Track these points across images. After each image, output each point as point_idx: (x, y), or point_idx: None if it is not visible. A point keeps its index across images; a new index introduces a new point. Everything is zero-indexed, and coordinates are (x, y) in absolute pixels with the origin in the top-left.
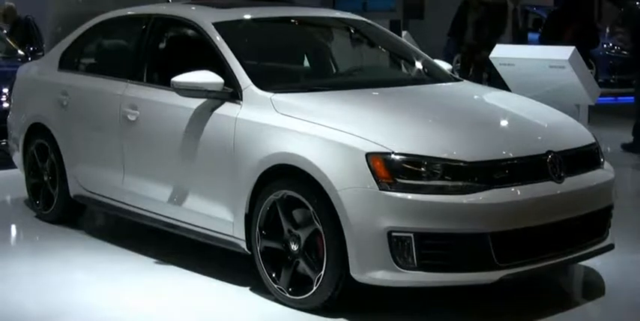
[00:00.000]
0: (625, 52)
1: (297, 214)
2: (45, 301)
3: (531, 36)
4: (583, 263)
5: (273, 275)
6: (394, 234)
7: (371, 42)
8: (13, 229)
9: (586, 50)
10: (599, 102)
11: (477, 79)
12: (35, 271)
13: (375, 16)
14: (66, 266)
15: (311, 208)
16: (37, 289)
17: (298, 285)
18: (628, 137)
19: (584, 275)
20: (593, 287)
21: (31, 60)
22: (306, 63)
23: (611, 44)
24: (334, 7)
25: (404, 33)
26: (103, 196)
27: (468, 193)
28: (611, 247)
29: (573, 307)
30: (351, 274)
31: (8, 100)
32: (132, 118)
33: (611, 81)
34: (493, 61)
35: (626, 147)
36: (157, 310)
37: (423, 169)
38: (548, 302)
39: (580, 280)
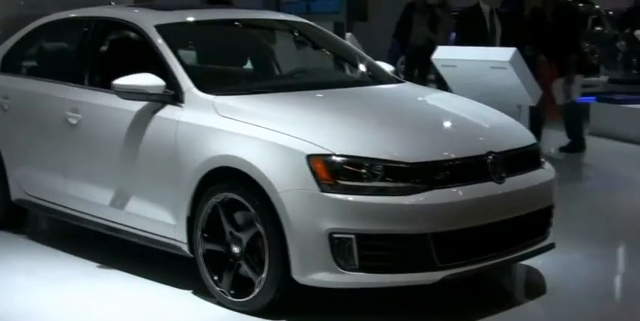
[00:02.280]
0: None
1: (238, 217)
2: None
3: None
4: (525, 262)
5: (215, 278)
6: (335, 235)
7: (314, 44)
8: None
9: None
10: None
11: (422, 81)
12: None
13: (319, 19)
14: (8, 271)
15: (252, 210)
16: None
17: (240, 288)
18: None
19: (525, 274)
20: (535, 286)
21: None
22: (249, 65)
23: None
24: (278, 9)
25: (348, 35)
26: (45, 200)
27: (409, 194)
28: (552, 246)
29: (515, 306)
30: (293, 276)
31: None
32: (73, 121)
33: None
34: (435, 63)
35: (565, 149)
36: (100, 314)
37: (364, 170)
38: (490, 302)
39: (522, 280)
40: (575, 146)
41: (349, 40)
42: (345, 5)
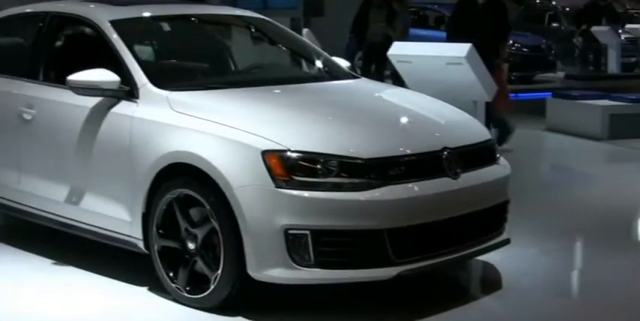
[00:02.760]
0: (525, 50)
1: (194, 213)
2: None
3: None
4: (481, 258)
5: (171, 274)
6: (290, 231)
7: (270, 40)
8: None
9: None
10: None
11: (379, 77)
12: None
13: (276, 14)
14: None
15: (208, 206)
16: None
17: (196, 284)
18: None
19: (481, 270)
20: (491, 281)
21: None
22: (205, 61)
23: (510, 42)
24: (235, 4)
25: (305, 31)
26: (0, 197)
27: (364, 190)
28: (507, 241)
29: (471, 301)
30: (248, 272)
31: None
32: (28, 117)
33: (512, 78)
34: (391, 58)
35: (500, 140)
36: (54, 310)
37: (319, 166)
38: (446, 297)
39: (478, 275)
40: (505, 132)
41: (306, 36)
42: (302, 1)
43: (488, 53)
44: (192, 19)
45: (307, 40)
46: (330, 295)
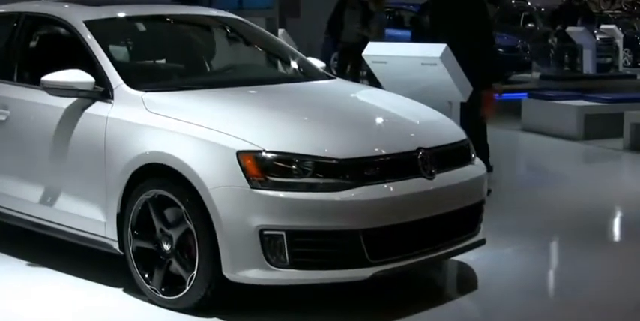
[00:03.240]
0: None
1: (169, 214)
2: None
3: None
4: (456, 258)
5: (146, 275)
6: (266, 232)
7: (245, 40)
8: None
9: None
10: None
11: (355, 77)
12: None
13: (251, 14)
14: None
15: (182, 207)
16: None
17: (171, 285)
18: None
19: (457, 270)
20: (466, 281)
21: None
22: (180, 61)
23: None
24: (210, 5)
25: (280, 31)
26: None
27: (339, 191)
28: (482, 242)
29: (447, 301)
30: (224, 273)
31: None
32: (2, 117)
33: None
34: (366, 59)
35: None
36: (29, 311)
37: (294, 166)
38: (422, 297)
39: (454, 275)
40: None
41: (282, 36)
42: (278, 1)
43: (465, 54)
44: (167, 19)
45: (283, 41)
46: (306, 295)
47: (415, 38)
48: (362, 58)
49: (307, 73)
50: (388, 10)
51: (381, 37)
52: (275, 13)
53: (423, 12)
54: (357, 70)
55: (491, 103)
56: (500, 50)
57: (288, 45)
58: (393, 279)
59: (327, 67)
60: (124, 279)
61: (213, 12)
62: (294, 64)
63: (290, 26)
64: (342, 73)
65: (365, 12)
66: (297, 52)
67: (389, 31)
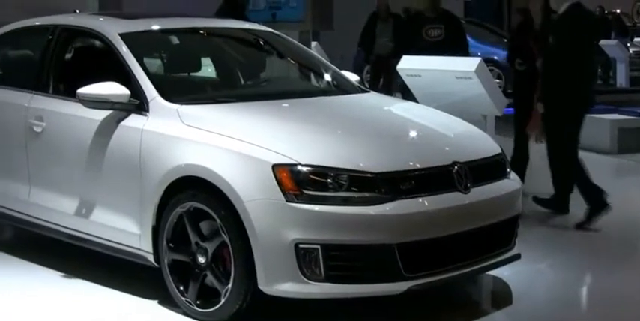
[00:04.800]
0: None
1: (204, 227)
2: None
3: None
4: (491, 273)
5: (181, 288)
6: (301, 246)
7: (279, 53)
8: None
9: None
10: (506, 112)
11: (387, 90)
12: None
13: (285, 27)
14: None
15: (218, 220)
16: None
17: (206, 298)
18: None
19: (491, 284)
20: (501, 296)
21: None
22: (214, 74)
23: None
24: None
25: (313, 44)
26: (9, 209)
27: (374, 205)
28: (517, 256)
29: (481, 316)
30: (259, 286)
31: None
32: (38, 129)
33: None
34: (400, 72)
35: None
36: None
37: (329, 180)
38: (456, 311)
39: (488, 290)
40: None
41: (315, 49)
42: (311, 14)
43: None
44: (202, 32)
45: (316, 54)
46: (339, 308)
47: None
48: (394, 71)
49: (342, 87)
50: None
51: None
52: (308, 25)
53: None
54: (389, 83)
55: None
56: None
57: (322, 58)
58: (427, 293)
59: (360, 80)
60: (158, 291)
61: (247, 25)
62: (328, 78)
63: (323, 39)
64: (374, 86)
65: (397, 25)
66: (332, 66)
67: None
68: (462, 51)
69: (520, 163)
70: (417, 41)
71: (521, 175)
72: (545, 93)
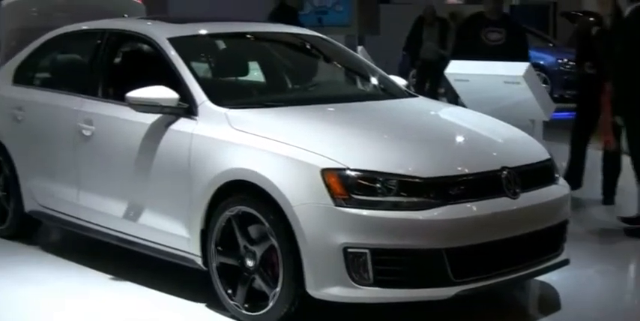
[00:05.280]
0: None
1: (252, 230)
2: None
3: None
4: (539, 278)
5: (229, 291)
6: (350, 250)
7: (326, 57)
8: None
9: None
10: (553, 117)
11: (433, 95)
12: None
13: (331, 32)
14: (20, 282)
15: (266, 224)
16: None
17: (254, 301)
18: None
19: (539, 290)
20: (549, 302)
21: None
22: (262, 78)
23: (565, 60)
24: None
25: (359, 48)
26: (58, 212)
27: (423, 209)
28: (566, 262)
29: None
30: (307, 290)
31: None
32: (87, 133)
33: (566, 96)
34: (448, 77)
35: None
36: None
37: (378, 185)
38: (504, 317)
39: (536, 295)
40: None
41: (361, 53)
42: (358, 18)
43: None
44: (249, 36)
45: (364, 58)
46: (386, 313)
47: None
48: (440, 76)
49: (389, 91)
50: None
51: None
52: (354, 30)
53: None
54: (435, 88)
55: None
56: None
57: (369, 63)
58: (475, 298)
59: (407, 85)
60: (206, 294)
61: (294, 29)
62: (376, 82)
63: (369, 43)
64: (420, 91)
65: (443, 29)
66: (379, 70)
67: None
68: (522, 57)
69: (576, 168)
70: (475, 44)
71: (578, 181)
72: (619, 100)
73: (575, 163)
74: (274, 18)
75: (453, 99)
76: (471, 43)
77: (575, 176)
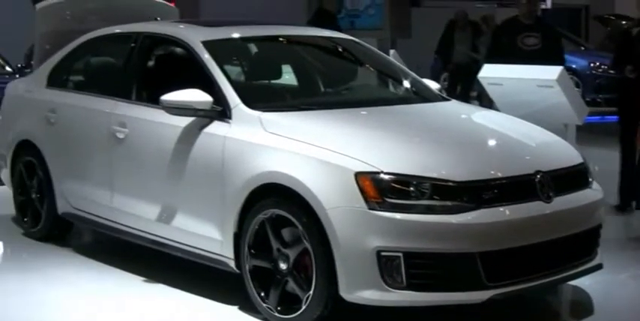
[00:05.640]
0: (612, 71)
1: (286, 233)
2: (29, 317)
3: None
4: (572, 283)
5: (262, 294)
6: (383, 253)
7: (359, 61)
8: (0, 246)
9: None
10: (585, 121)
11: (464, 98)
12: (21, 288)
13: (363, 35)
14: (53, 284)
15: (300, 227)
16: (22, 307)
17: (287, 304)
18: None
19: (572, 295)
20: (582, 307)
21: (20, 77)
22: (295, 82)
23: (597, 63)
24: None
25: (391, 51)
26: (91, 214)
27: (456, 213)
28: (599, 266)
29: None
30: (340, 293)
31: None
32: (121, 135)
33: (598, 100)
34: (481, 81)
35: None
36: None
37: (411, 188)
38: None
39: (568, 300)
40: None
41: (392, 56)
42: (389, 22)
43: None
44: (282, 39)
45: (396, 62)
46: (417, 317)
47: None
48: (472, 79)
49: (422, 95)
50: None
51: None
52: (386, 33)
53: None
54: (466, 91)
55: None
56: (612, 71)
57: (403, 66)
58: (508, 303)
59: (440, 88)
60: (238, 297)
61: (327, 32)
62: (409, 86)
63: (401, 47)
64: (451, 94)
65: (475, 33)
66: (412, 73)
67: None
68: (559, 61)
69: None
70: (511, 50)
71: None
72: None
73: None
74: (313, 23)
75: (487, 103)
76: (507, 48)
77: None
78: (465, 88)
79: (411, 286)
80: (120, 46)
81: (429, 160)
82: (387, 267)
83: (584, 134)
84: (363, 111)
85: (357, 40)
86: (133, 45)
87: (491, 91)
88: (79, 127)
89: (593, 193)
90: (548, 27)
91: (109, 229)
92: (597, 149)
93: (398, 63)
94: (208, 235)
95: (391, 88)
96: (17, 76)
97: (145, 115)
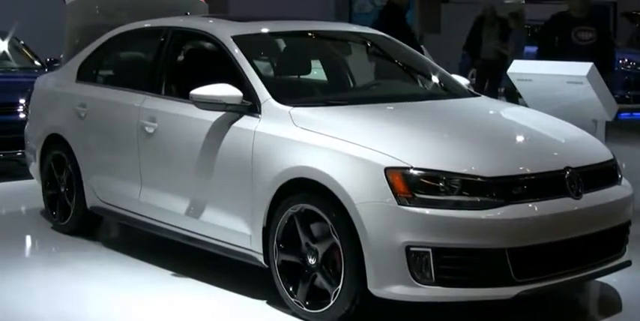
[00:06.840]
0: None
1: (314, 228)
2: (59, 311)
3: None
4: (600, 279)
5: (291, 289)
6: (412, 249)
7: (388, 56)
8: (29, 240)
9: None
10: (616, 117)
11: (492, 94)
12: (50, 282)
13: None
14: (81, 277)
15: (329, 222)
16: (51, 300)
17: (316, 299)
18: None
19: (600, 291)
20: (610, 303)
21: (49, 71)
22: (324, 77)
23: (626, 60)
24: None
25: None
26: (120, 208)
27: (485, 209)
28: (628, 263)
29: None
30: (369, 288)
31: (25, 111)
32: (150, 130)
33: (627, 97)
34: (511, 77)
35: None
36: (170, 320)
37: (441, 184)
38: (565, 318)
39: (596, 297)
40: None
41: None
42: (418, 18)
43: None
44: (311, 35)
45: (426, 58)
46: (445, 313)
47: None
48: (500, 75)
49: (451, 90)
50: (527, 26)
51: (518, 55)
52: (415, 29)
53: None
54: (495, 87)
55: None
56: None
57: (432, 62)
58: (535, 299)
59: (469, 84)
60: (267, 291)
61: (356, 28)
62: (438, 81)
63: (429, 42)
64: (479, 90)
65: (503, 29)
66: (441, 69)
67: (528, 48)
68: (611, 56)
69: None
70: (565, 45)
71: None
72: None
73: None
74: (383, 17)
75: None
76: (560, 44)
77: None
78: (494, 84)
79: (439, 282)
80: (149, 40)
81: (459, 155)
82: (416, 262)
83: (614, 131)
84: (392, 106)
85: (386, 35)
86: (162, 40)
87: (520, 86)
88: (109, 121)
89: (622, 189)
90: (600, 21)
91: (138, 223)
92: (627, 146)
93: (427, 58)
94: (237, 230)
95: (420, 83)
96: (46, 70)
97: (175, 109)
